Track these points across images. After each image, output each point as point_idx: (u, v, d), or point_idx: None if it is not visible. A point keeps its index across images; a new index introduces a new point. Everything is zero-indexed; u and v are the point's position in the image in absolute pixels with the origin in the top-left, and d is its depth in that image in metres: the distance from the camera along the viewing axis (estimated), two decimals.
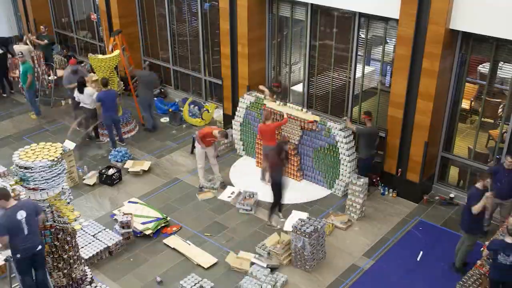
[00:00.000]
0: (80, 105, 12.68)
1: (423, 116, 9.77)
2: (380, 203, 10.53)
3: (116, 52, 13.04)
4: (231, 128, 12.47)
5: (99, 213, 10.39)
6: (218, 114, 13.87)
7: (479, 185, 8.19)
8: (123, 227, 9.46)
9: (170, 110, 14.17)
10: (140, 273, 8.86)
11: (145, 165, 11.75)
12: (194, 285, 8.30)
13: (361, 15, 10.63)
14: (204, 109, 13.93)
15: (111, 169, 11.35)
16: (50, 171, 6.47)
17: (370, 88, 11.45)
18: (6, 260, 7.18)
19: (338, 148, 10.53)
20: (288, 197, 10.26)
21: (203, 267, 8.90)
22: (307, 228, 8.58)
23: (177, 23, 14.64)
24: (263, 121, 10.78)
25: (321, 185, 11.10)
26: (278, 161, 9.64)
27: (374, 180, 10.92)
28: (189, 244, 9.42)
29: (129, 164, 11.80)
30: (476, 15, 8.80)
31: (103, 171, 11.34)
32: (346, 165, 10.53)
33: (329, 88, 11.88)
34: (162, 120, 14.11)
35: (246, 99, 11.84)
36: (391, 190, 10.74)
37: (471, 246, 8.54)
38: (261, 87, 11.86)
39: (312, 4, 11.26)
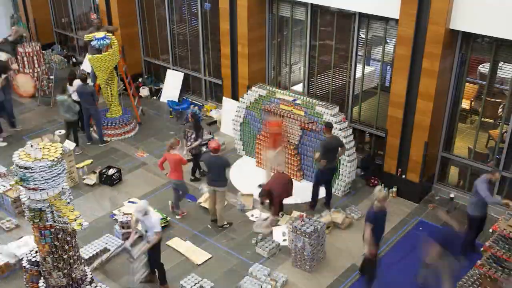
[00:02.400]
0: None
1: (423, 116, 9.77)
2: None
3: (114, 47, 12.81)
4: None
5: (99, 213, 10.40)
6: (218, 114, 13.87)
7: None
8: (123, 227, 9.47)
9: (171, 110, 14.16)
10: None
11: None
12: (194, 285, 8.31)
13: (361, 15, 10.63)
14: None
15: (111, 169, 11.34)
16: (50, 171, 6.46)
17: (370, 88, 11.45)
18: None
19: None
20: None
21: (196, 263, 8.98)
22: (307, 228, 8.58)
23: (177, 23, 14.64)
24: (168, 150, 9.95)
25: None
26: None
27: (372, 181, 10.94)
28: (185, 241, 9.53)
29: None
30: (476, 15, 8.80)
31: (103, 171, 11.35)
32: (346, 165, 10.53)
33: (329, 88, 11.88)
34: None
35: (246, 99, 11.84)
36: (391, 190, 10.74)
37: None
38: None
39: (312, 4, 11.26)
